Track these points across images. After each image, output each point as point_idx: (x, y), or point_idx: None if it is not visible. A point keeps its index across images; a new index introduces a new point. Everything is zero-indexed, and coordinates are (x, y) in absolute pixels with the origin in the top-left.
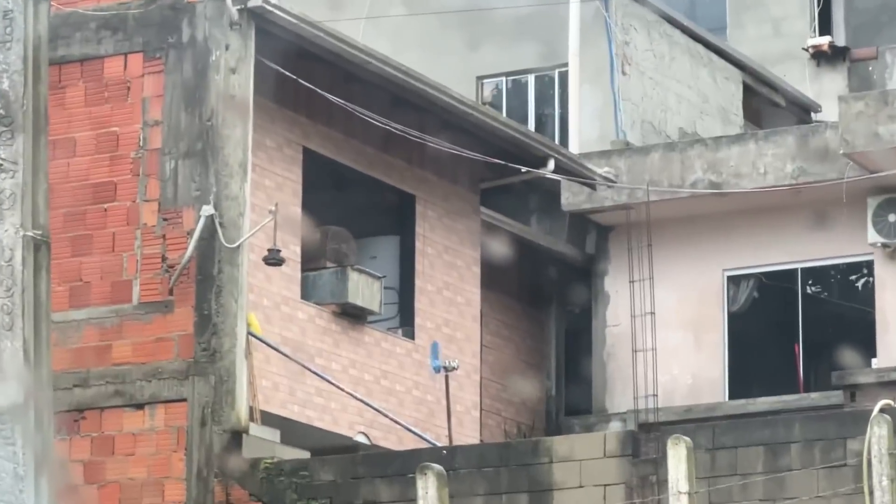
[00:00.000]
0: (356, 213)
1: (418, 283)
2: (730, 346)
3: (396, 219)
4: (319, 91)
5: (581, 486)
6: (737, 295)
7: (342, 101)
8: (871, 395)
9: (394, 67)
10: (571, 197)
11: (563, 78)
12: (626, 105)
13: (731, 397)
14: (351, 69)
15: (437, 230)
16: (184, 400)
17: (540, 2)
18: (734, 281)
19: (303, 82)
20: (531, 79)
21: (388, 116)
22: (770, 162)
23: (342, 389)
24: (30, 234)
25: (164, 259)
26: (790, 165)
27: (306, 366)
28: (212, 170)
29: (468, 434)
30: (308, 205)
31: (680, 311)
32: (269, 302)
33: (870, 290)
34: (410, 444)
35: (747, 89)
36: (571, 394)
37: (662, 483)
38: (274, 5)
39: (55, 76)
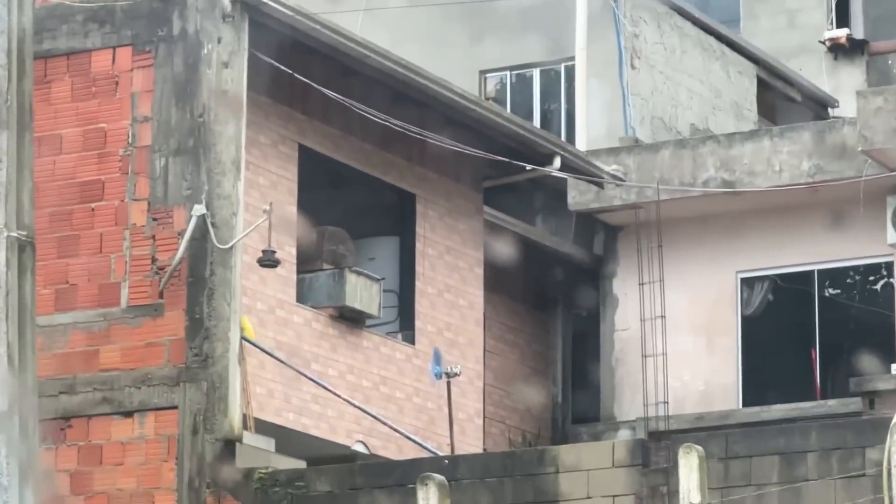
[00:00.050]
0: (354, 212)
1: (419, 285)
2: (743, 351)
3: (396, 219)
4: (316, 86)
5: (589, 497)
6: (751, 298)
7: (339, 97)
8: (891, 402)
9: (393, 61)
10: (578, 196)
11: (570, 72)
12: (636, 100)
13: (744, 404)
14: (349, 63)
15: (439, 230)
16: (174, 407)
17: None
18: (748, 283)
19: (298, 77)
20: (536, 73)
21: (387, 112)
22: (785, 159)
23: (339, 396)
24: (14, 234)
25: (153, 260)
26: (806, 163)
27: (302, 372)
28: (203, 168)
29: (471, 443)
30: (304, 204)
31: (691, 314)
32: (263, 305)
33: (889, 292)
34: (411, 453)
35: (761, 84)
36: (578, 401)
37: (673, 494)
38: None
39: (40, 70)
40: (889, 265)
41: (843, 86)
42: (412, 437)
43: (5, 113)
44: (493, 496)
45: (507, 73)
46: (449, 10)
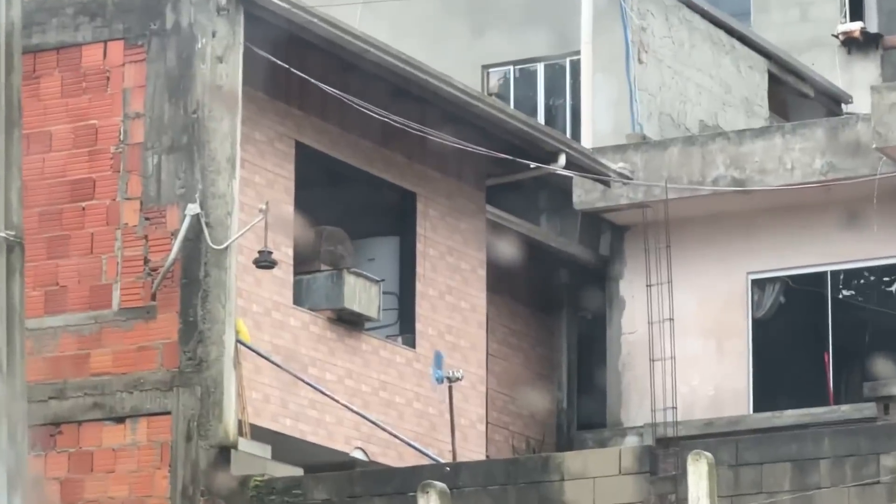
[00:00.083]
0: (353, 212)
1: (419, 287)
2: (754, 355)
3: (396, 218)
4: (313, 81)
5: None
6: (762, 300)
7: (338, 92)
8: None
9: (393, 56)
10: (584, 195)
11: (576, 67)
12: (643, 96)
13: (755, 410)
14: (347, 57)
15: (440, 230)
16: (168, 413)
17: None
18: (759, 285)
19: (295, 72)
20: (541, 68)
21: (387, 108)
22: (797, 157)
23: (338, 401)
24: (2, 234)
25: (146, 261)
26: (819, 161)
27: (299, 376)
28: (197, 166)
29: (473, 449)
30: (301, 203)
31: (701, 317)
32: (259, 308)
33: None
34: (411, 460)
35: (773, 79)
36: (584, 406)
37: (682, 502)
38: None
39: (29, 65)
40: None
41: (857, 81)
42: (413, 443)
43: None
44: None
45: (511, 67)
46: (450, 3)
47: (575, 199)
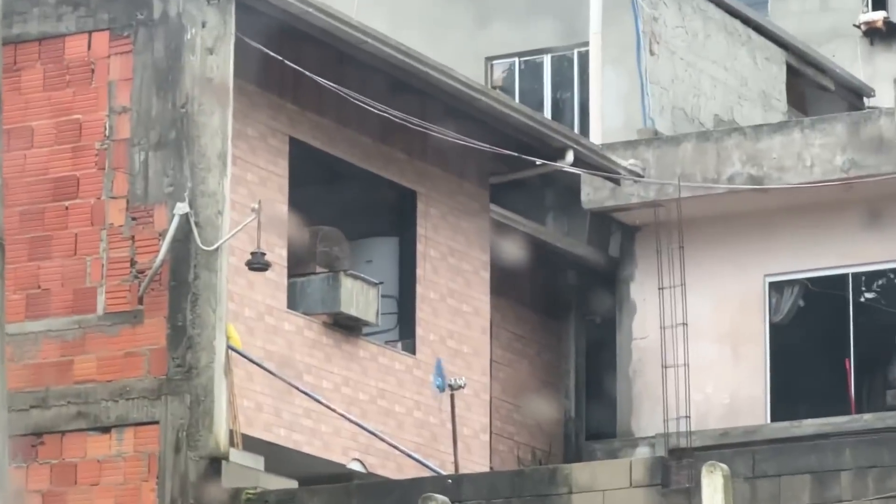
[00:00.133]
0: (350, 211)
1: (420, 290)
2: (772, 362)
3: (395, 218)
4: (308, 74)
5: None
6: (780, 303)
7: (334, 85)
8: None
9: (392, 47)
10: (593, 193)
11: (584, 59)
12: (655, 89)
13: (773, 419)
14: (344, 49)
15: (441, 230)
16: (155, 422)
17: None
18: (777, 288)
19: (289, 64)
20: (547, 60)
21: (385, 102)
22: (817, 153)
23: (334, 410)
24: None
25: (132, 263)
26: (840, 157)
27: (293, 384)
28: (187, 162)
29: (476, 461)
30: (296, 202)
31: (716, 321)
32: (251, 312)
33: None
34: (411, 472)
35: (791, 71)
36: (593, 415)
37: None
38: None
39: (10, 57)
40: None
41: (880, 73)
42: (413, 454)
43: None
44: None
45: (516, 59)
46: None
47: (583, 197)
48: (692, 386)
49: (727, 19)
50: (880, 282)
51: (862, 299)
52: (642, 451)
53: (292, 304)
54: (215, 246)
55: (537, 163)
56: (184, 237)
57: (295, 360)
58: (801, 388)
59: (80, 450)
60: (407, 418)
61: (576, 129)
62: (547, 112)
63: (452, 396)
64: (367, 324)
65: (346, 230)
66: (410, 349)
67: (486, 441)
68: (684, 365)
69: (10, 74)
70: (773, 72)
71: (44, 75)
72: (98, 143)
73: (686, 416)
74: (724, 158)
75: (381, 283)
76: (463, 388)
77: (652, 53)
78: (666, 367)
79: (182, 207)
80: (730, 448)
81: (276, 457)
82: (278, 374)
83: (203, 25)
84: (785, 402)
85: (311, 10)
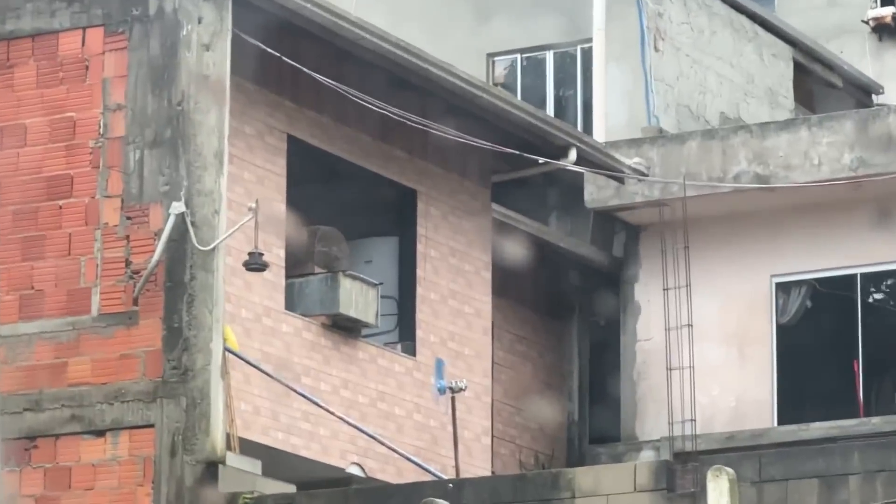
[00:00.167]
0: (349, 210)
1: (420, 290)
2: (779, 364)
3: (395, 217)
4: (306, 70)
5: None
6: (787, 304)
7: (333, 83)
8: None
9: (392, 44)
10: (596, 192)
11: (587, 55)
12: (660, 86)
13: (780, 422)
14: (343, 45)
15: (442, 230)
16: (151, 426)
17: None
18: (784, 288)
19: (287, 60)
20: (550, 56)
21: (385, 100)
22: (825, 151)
23: (333, 413)
24: None
25: (127, 264)
26: (848, 155)
27: (291, 386)
28: (182, 161)
29: (478, 465)
30: (294, 201)
31: (721, 323)
32: (248, 313)
33: None
34: (411, 476)
35: (798, 68)
36: (596, 418)
37: None
38: None
39: (2, 53)
40: None
41: (889, 70)
42: (413, 458)
43: None
44: None
45: (518, 56)
46: None
47: (587, 196)
48: (697, 388)
49: (733, 15)
50: (889, 282)
51: (870, 300)
52: (647, 455)
53: (290, 305)
54: (212, 246)
55: (540, 161)
56: (180, 237)
57: (293, 362)
58: (808, 391)
59: (75, 453)
60: (407, 421)
61: (579, 127)
62: (549, 110)
63: (453, 399)
64: (366, 325)
65: (345, 230)
66: (410, 351)
67: (487, 444)
68: (689, 367)
69: (2, 71)
70: (779, 69)
71: (37, 72)
72: (92, 142)
73: (691, 420)
74: (730, 157)
75: (381, 283)
76: (464, 390)
77: (656, 50)
78: (671, 370)
79: (178, 207)
80: (736, 452)
81: (274, 461)
82: (276, 376)
83: (199, 21)
84: (792, 404)
85: (309, 5)
